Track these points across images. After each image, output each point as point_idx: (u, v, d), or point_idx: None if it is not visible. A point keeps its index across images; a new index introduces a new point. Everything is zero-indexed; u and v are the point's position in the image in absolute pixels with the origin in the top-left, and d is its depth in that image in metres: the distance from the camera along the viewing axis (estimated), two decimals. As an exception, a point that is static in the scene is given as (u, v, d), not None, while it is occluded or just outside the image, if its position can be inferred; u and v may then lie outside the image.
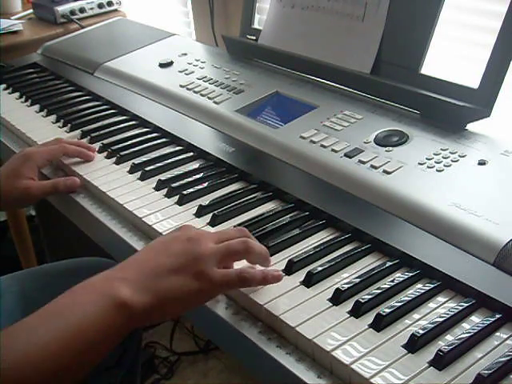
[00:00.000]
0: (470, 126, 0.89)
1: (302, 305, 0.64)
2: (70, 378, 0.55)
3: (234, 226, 0.77)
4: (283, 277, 0.67)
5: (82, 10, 1.80)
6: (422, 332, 0.58)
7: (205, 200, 0.84)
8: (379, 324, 0.60)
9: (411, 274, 0.66)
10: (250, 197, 0.84)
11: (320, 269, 0.68)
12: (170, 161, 0.95)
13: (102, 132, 1.07)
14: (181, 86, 1.14)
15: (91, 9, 1.82)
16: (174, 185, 0.87)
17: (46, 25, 1.79)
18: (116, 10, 1.87)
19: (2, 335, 0.53)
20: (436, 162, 0.80)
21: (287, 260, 0.70)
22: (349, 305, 0.63)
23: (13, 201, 0.93)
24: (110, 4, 1.85)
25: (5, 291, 0.95)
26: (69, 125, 1.11)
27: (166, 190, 0.87)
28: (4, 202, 0.93)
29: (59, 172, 1.00)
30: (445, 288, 0.65)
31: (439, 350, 0.56)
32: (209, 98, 1.08)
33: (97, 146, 1.02)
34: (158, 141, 1.02)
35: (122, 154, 0.98)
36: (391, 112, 0.95)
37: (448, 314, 0.60)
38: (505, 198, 0.73)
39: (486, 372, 0.53)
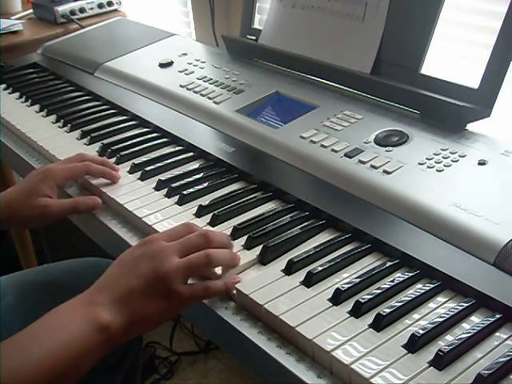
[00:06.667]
0: (470, 126, 0.89)
1: (302, 305, 0.64)
2: None
3: (234, 227, 0.77)
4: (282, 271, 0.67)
5: (82, 10, 1.80)
6: (422, 332, 0.58)
7: (205, 200, 0.84)
8: (379, 324, 0.60)
9: (411, 274, 0.66)
10: (250, 197, 0.84)
11: (320, 269, 0.68)
12: (169, 161, 0.95)
13: (101, 132, 1.07)
14: (181, 85, 1.14)
15: (91, 9, 1.82)
16: (173, 185, 0.87)
17: (46, 25, 1.79)
18: (116, 10, 1.87)
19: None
20: (436, 162, 0.80)
21: (287, 260, 0.70)
22: (349, 305, 0.63)
23: (29, 220, 0.87)
24: (110, 4, 1.85)
25: (5, 291, 0.95)
26: (69, 125, 1.11)
27: (165, 190, 0.87)
28: (20, 220, 0.88)
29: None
30: (445, 288, 0.65)
31: (439, 350, 0.56)
32: (209, 98, 1.08)
33: (97, 145, 1.03)
34: (158, 141, 1.02)
35: (122, 154, 0.98)
36: (391, 112, 0.95)
37: (448, 314, 0.60)
38: (505, 197, 0.73)
39: (486, 372, 0.53)
